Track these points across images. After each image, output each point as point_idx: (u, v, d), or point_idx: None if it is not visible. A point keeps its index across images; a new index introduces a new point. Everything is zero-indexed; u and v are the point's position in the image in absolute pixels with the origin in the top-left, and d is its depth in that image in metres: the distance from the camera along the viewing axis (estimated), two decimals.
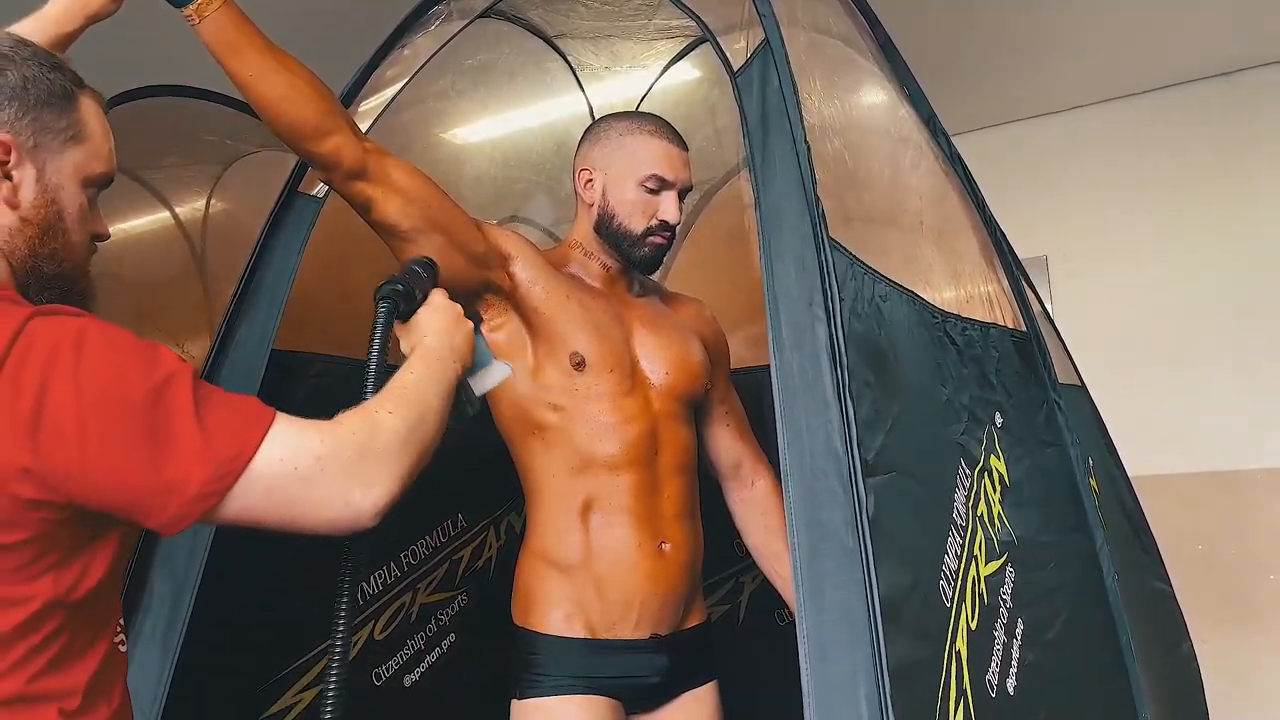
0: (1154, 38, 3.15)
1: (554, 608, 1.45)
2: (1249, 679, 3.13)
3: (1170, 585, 1.94)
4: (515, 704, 1.44)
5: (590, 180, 1.57)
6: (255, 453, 0.84)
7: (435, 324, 1.13)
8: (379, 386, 1.00)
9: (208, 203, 2.33)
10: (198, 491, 0.82)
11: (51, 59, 0.99)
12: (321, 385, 1.87)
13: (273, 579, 1.69)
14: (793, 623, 1.15)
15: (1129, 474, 1.91)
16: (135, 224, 2.33)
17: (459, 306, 1.17)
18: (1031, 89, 3.56)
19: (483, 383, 1.19)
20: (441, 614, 2.13)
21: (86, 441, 0.80)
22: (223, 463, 0.82)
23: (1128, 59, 3.33)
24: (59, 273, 0.98)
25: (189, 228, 2.33)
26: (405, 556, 2.07)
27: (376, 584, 1.98)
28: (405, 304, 1.13)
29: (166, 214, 2.37)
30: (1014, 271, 1.68)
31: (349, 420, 0.91)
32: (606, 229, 1.56)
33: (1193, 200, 3.47)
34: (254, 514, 0.85)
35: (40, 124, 0.95)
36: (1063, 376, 1.70)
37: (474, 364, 1.17)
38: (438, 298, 1.17)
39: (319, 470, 0.85)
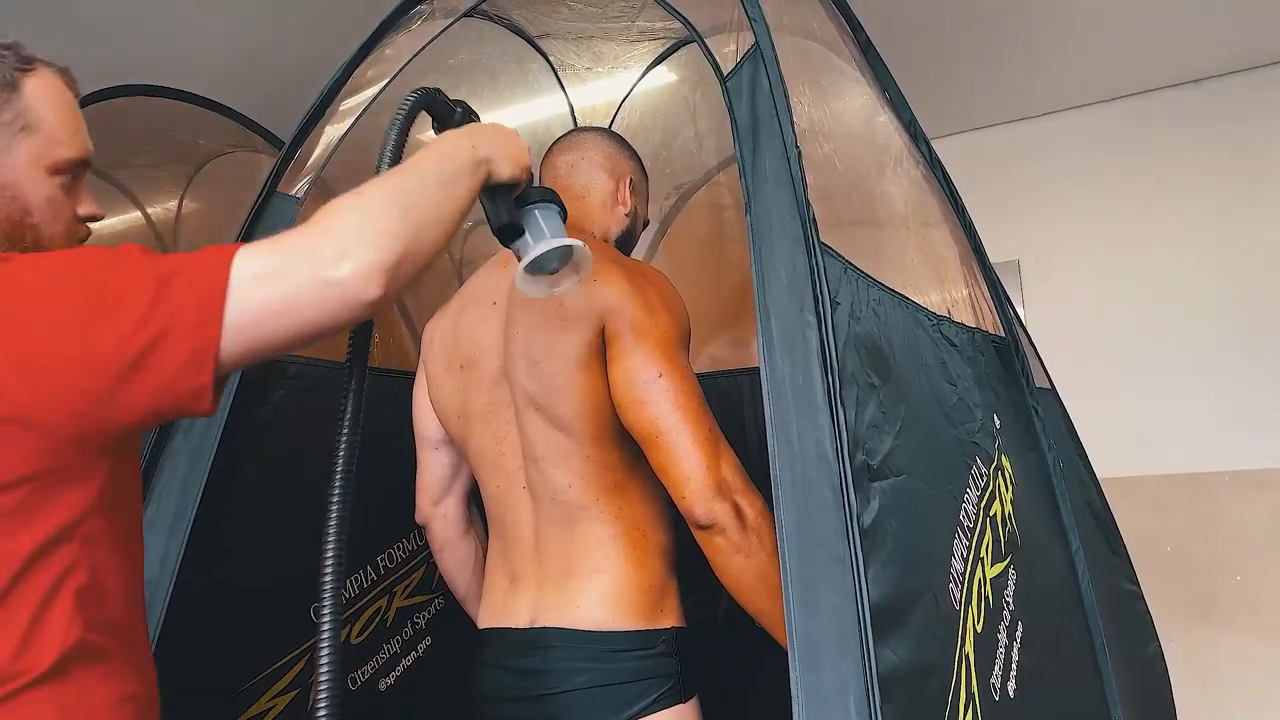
0: (1125, 45, 3.19)
1: (678, 600, 1.41)
2: (1215, 677, 3.18)
3: (1139, 586, 1.96)
4: (680, 709, 1.34)
5: (633, 189, 1.61)
6: (228, 274, 0.78)
7: (480, 126, 1.07)
8: None
9: (180, 203, 2.30)
10: (194, 319, 0.77)
11: None
12: (298, 388, 1.85)
13: (248, 582, 1.67)
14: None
15: (1099, 475, 1.93)
16: (106, 224, 2.30)
17: (520, 140, 1.09)
18: (1003, 95, 3.59)
19: (547, 246, 1.07)
20: (418, 617, 2.12)
21: (65, 329, 0.76)
22: (204, 289, 0.78)
23: (1099, 65, 3.37)
24: None
25: (161, 228, 2.30)
26: (382, 560, 2.05)
27: (353, 588, 1.96)
28: (441, 110, 1.09)
29: (138, 214, 2.33)
30: (993, 277, 1.69)
31: (316, 214, 0.84)
32: (630, 237, 1.63)
33: (1163, 205, 3.52)
34: (257, 340, 0.80)
35: None
36: (1035, 380, 1.72)
37: (538, 230, 1.08)
38: (497, 123, 1.10)
39: (283, 265, 0.80)
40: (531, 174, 1.13)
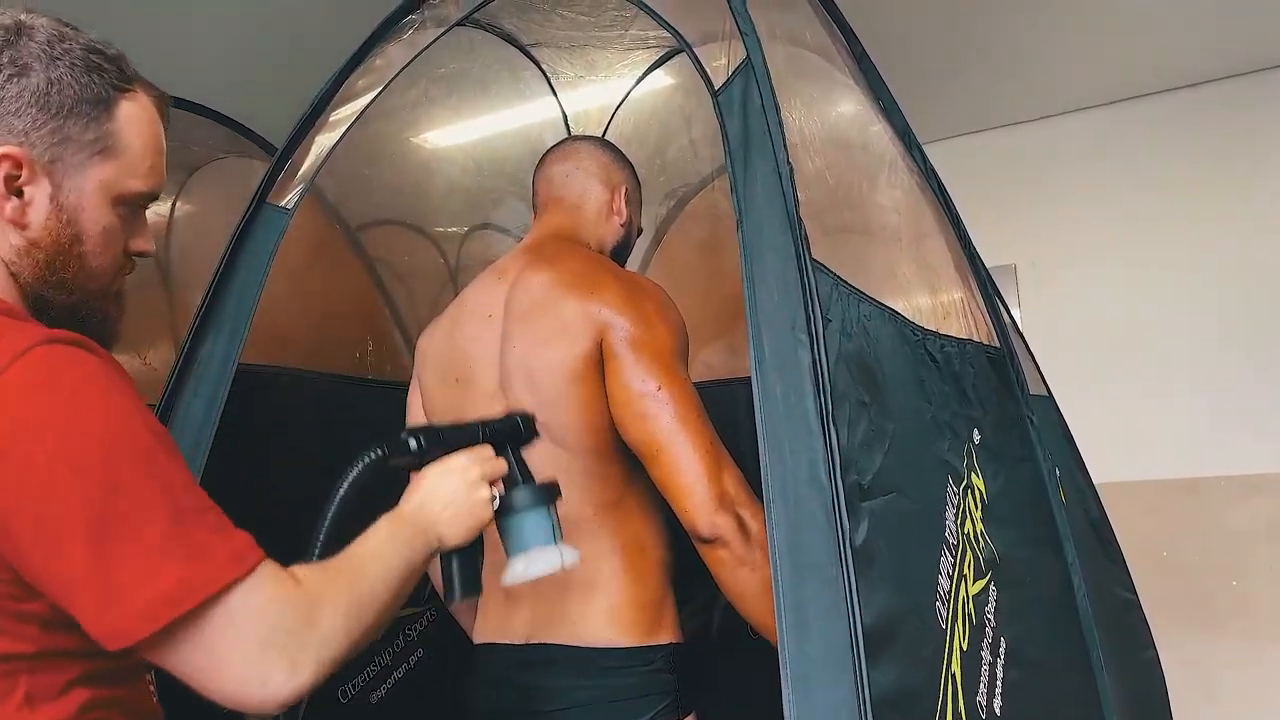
0: (1121, 49, 3.19)
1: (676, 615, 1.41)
2: (1212, 682, 3.17)
3: (1135, 593, 1.95)
4: None
5: (627, 198, 1.62)
6: (234, 586, 0.74)
7: (431, 486, 1.00)
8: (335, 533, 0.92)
9: (172, 209, 2.29)
10: (150, 601, 0.70)
11: (91, 60, 0.85)
12: (290, 398, 1.84)
13: None
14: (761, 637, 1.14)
15: (1095, 480, 1.92)
16: None
17: (479, 470, 1.03)
18: (998, 99, 3.59)
19: (526, 567, 1.06)
20: (409, 629, 2.10)
21: (37, 508, 0.70)
22: (190, 582, 0.71)
23: (1095, 70, 3.36)
24: (70, 304, 0.87)
25: (154, 232, 2.29)
26: None
27: None
28: (396, 458, 1.02)
29: None
30: (987, 286, 1.68)
31: (310, 586, 0.80)
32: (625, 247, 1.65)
33: (1159, 209, 3.52)
34: (179, 662, 0.73)
35: (61, 135, 0.83)
36: (1031, 387, 1.71)
37: (519, 542, 1.06)
38: (457, 459, 1.03)
39: (256, 631, 0.74)
40: (514, 465, 1.09)
